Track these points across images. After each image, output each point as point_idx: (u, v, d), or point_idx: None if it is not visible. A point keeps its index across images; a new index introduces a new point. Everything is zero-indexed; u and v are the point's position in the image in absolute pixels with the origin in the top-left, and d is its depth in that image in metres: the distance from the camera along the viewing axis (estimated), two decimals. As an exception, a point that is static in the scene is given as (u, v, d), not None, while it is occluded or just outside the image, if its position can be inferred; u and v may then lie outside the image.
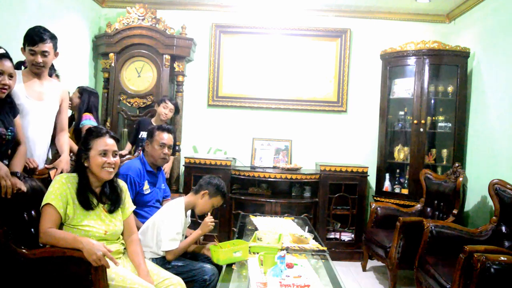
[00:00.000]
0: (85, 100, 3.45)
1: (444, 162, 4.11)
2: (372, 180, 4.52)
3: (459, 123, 4.01)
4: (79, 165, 2.03)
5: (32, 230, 2.04)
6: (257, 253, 2.28)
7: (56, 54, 2.43)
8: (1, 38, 2.96)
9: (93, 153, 2.00)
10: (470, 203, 3.76)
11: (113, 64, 4.36)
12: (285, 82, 4.68)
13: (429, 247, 2.96)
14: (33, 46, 2.28)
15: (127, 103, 4.39)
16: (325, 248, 2.59)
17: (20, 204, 2.03)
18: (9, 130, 2.08)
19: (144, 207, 2.68)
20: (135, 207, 2.27)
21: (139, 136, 3.76)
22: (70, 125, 3.25)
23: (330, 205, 4.25)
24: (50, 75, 2.91)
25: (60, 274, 1.82)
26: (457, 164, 3.61)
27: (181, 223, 2.36)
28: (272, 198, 4.20)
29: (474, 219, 3.73)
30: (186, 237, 2.51)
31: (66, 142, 2.56)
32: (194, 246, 2.51)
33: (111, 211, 2.06)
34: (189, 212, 2.56)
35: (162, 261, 2.29)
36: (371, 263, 3.97)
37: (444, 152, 4.11)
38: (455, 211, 3.41)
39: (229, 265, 2.24)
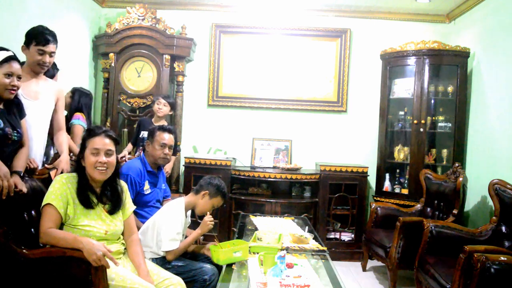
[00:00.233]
0: (76, 100, 3.46)
1: (444, 162, 4.11)
2: (372, 180, 4.52)
3: (459, 123, 4.01)
4: (79, 164, 2.03)
5: (32, 230, 2.04)
6: (257, 253, 2.28)
7: None
8: (1, 38, 2.96)
9: (87, 152, 2.00)
10: (470, 203, 3.76)
11: (113, 64, 4.36)
12: (285, 82, 4.68)
13: (429, 247, 2.96)
14: (43, 46, 2.30)
15: (127, 103, 4.39)
16: (325, 248, 2.59)
17: (20, 204, 2.03)
18: (15, 131, 2.10)
19: (144, 207, 2.68)
20: (135, 207, 2.27)
21: (140, 136, 3.75)
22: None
23: (330, 205, 4.25)
24: (53, 75, 2.92)
25: (60, 274, 1.82)
26: (457, 164, 3.61)
27: (181, 223, 2.36)
28: (272, 198, 4.20)
29: (474, 219, 3.73)
30: (186, 237, 2.51)
31: (65, 142, 2.56)
32: (194, 246, 2.51)
33: (111, 212, 2.05)
34: (189, 212, 2.56)
35: (162, 261, 2.29)
36: (371, 263, 3.97)
37: (444, 152, 4.11)
38: (455, 211, 3.41)
39: (229, 265, 2.24)
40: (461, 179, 3.42)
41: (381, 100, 4.41)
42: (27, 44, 2.32)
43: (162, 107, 3.72)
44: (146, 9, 4.38)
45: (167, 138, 2.75)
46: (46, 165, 2.41)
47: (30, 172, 2.22)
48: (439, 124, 4.11)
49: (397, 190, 4.23)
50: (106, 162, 1.98)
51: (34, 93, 2.38)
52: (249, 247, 2.39)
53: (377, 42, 4.59)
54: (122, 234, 2.13)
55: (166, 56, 4.31)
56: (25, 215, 2.05)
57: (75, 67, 4.22)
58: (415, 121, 4.05)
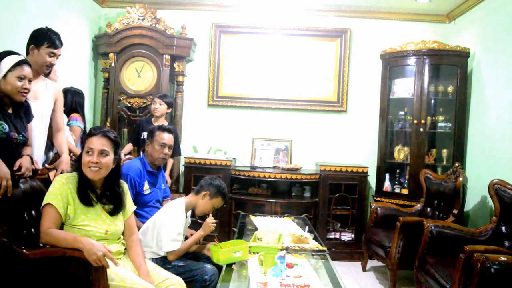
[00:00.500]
0: (69, 100, 3.46)
1: (444, 162, 4.10)
2: (372, 180, 4.52)
3: (459, 123, 4.01)
4: (80, 164, 2.03)
5: (32, 230, 2.04)
6: (257, 253, 2.28)
7: None
8: (1, 38, 2.97)
9: (83, 151, 2.00)
10: (470, 203, 3.76)
11: (113, 64, 4.36)
12: (285, 82, 4.68)
13: (429, 247, 2.96)
14: (55, 49, 2.38)
15: (127, 103, 4.39)
16: (325, 248, 2.59)
17: (20, 204, 2.03)
18: (21, 135, 2.12)
19: (144, 207, 2.68)
20: (135, 207, 2.27)
21: (141, 137, 3.73)
22: None
23: (330, 205, 4.25)
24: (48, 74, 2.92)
25: (60, 274, 1.81)
26: (457, 164, 3.61)
27: (182, 223, 2.36)
28: (272, 198, 4.21)
29: (474, 219, 3.73)
30: (186, 237, 2.51)
31: (64, 142, 2.56)
32: (195, 246, 2.51)
33: (112, 214, 2.05)
34: (189, 213, 2.56)
35: (163, 261, 2.29)
36: (371, 263, 3.97)
37: (444, 152, 4.11)
38: (455, 211, 3.41)
39: (229, 265, 2.24)
40: (461, 179, 3.42)
41: (381, 100, 4.41)
42: (36, 45, 2.34)
43: (158, 107, 3.71)
44: (146, 9, 4.38)
45: (167, 138, 2.75)
46: (46, 165, 2.41)
47: (32, 173, 2.23)
48: (439, 124, 4.11)
49: (397, 190, 4.23)
50: (98, 162, 1.96)
51: (34, 93, 2.39)
52: (249, 247, 2.39)
53: (377, 42, 4.59)
54: (123, 234, 2.13)
55: (166, 56, 4.31)
56: (25, 215, 2.05)
57: (75, 67, 4.22)
58: (415, 121, 4.05)
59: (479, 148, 3.84)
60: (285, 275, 2.01)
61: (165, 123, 3.56)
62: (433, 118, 4.14)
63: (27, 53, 2.38)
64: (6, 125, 2.04)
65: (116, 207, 2.07)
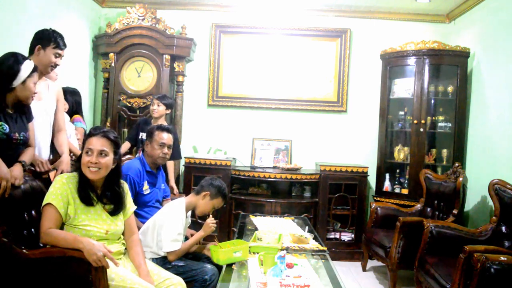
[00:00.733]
0: (70, 101, 3.44)
1: (444, 162, 4.10)
2: (372, 180, 4.52)
3: (459, 123, 4.01)
4: (80, 164, 2.03)
5: (32, 230, 2.04)
6: (257, 253, 2.28)
7: None
8: (1, 37, 2.97)
9: (83, 151, 2.00)
10: (470, 203, 3.76)
11: (113, 64, 4.36)
12: (285, 82, 4.68)
13: (429, 247, 2.96)
14: (60, 50, 2.42)
15: (127, 103, 4.39)
16: (325, 248, 2.59)
17: (20, 204, 2.03)
18: (21, 135, 2.13)
19: (144, 207, 2.68)
20: (136, 207, 2.27)
21: (139, 137, 3.73)
22: None
23: (330, 205, 4.25)
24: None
25: (60, 274, 1.82)
26: (457, 164, 3.61)
27: (182, 223, 2.36)
28: (272, 198, 4.21)
29: (474, 219, 3.74)
30: (186, 237, 2.51)
31: (65, 143, 2.57)
32: (195, 246, 2.51)
33: (112, 214, 2.05)
34: (189, 213, 2.56)
35: (163, 261, 2.29)
36: (371, 263, 3.97)
37: (444, 152, 4.11)
38: (455, 211, 3.41)
39: (229, 265, 2.24)
40: (461, 179, 3.43)
41: (381, 100, 4.41)
42: (43, 45, 2.36)
43: (156, 108, 3.64)
44: (146, 9, 4.38)
45: (166, 137, 2.75)
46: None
47: (39, 174, 2.23)
48: (439, 124, 4.11)
49: (397, 190, 4.23)
50: (97, 162, 1.95)
51: (38, 93, 2.40)
52: (249, 247, 2.39)
53: (377, 42, 4.59)
54: (123, 234, 2.13)
55: (166, 56, 4.31)
56: (25, 215, 2.05)
57: (75, 67, 4.22)
58: (415, 121, 4.05)
59: (479, 148, 3.84)
60: (285, 275, 2.01)
61: (164, 123, 3.55)
62: (433, 118, 4.14)
63: (31, 53, 2.40)
64: (6, 125, 2.05)
65: (116, 207, 2.07)
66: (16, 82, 2.06)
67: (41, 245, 1.91)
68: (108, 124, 4.33)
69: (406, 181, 4.22)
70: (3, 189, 1.90)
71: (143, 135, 3.63)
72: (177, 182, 4.46)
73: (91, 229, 1.95)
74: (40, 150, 2.42)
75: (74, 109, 3.53)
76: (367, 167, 4.29)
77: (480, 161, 3.81)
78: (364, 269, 3.92)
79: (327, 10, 4.63)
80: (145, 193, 2.68)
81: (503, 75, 3.50)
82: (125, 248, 2.13)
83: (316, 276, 2.12)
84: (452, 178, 3.56)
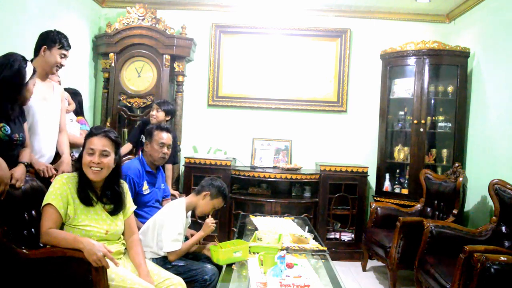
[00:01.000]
0: (75, 102, 3.42)
1: (444, 162, 4.10)
2: (372, 180, 4.52)
3: (459, 123, 4.01)
4: (80, 164, 2.03)
5: (33, 230, 2.04)
6: (257, 253, 2.28)
7: None
8: (1, 37, 2.97)
9: (84, 151, 2.00)
10: (470, 203, 3.76)
11: (113, 64, 4.36)
12: (285, 82, 4.68)
13: (429, 247, 2.96)
14: (66, 51, 2.46)
15: (127, 103, 4.39)
16: (325, 248, 2.59)
17: (20, 204, 2.03)
18: (20, 136, 2.14)
19: (143, 207, 2.68)
20: (136, 207, 2.27)
21: (141, 139, 3.68)
22: None
23: (330, 205, 4.25)
24: None
25: (60, 274, 1.82)
26: (457, 164, 3.61)
27: (183, 223, 2.36)
28: (272, 198, 4.21)
29: (474, 219, 3.74)
30: (186, 237, 2.51)
31: (65, 143, 2.58)
32: (195, 246, 2.51)
33: (112, 213, 2.05)
34: (189, 213, 2.56)
35: (163, 261, 2.29)
36: (371, 263, 3.97)
37: (444, 152, 4.11)
38: (455, 211, 3.41)
39: (229, 265, 2.24)
40: (461, 179, 3.43)
41: (381, 100, 4.41)
42: (48, 46, 2.39)
43: (154, 113, 3.52)
44: (146, 9, 4.38)
45: (166, 137, 2.75)
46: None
47: (44, 178, 2.24)
48: (439, 124, 4.11)
49: (397, 190, 4.23)
50: (99, 163, 1.96)
51: (44, 94, 2.44)
52: (249, 247, 2.39)
53: (377, 42, 4.59)
54: (123, 234, 2.13)
55: (166, 56, 4.31)
56: (25, 215, 2.05)
57: (75, 67, 4.22)
58: (415, 121, 4.05)
59: (479, 148, 3.84)
60: (285, 275, 2.01)
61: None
62: (433, 118, 4.14)
63: (36, 54, 2.42)
64: (8, 127, 2.06)
65: (116, 207, 2.07)
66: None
67: (41, 245, 1.91)
68: (108, 124, 4.33)
69: (406, 181, 4.22)
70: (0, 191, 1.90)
71: (144, 137, 3.59)
72: (177, 182, 4.47)
73: (91, 229, 1.95)
74: (44, 148, 2.43)
75: (77, 110, 3.52)
76: (367, 167, 4.29)
77: (480, 161, 3.81)
78: (364, 269, 3.92)
79: (327, 10, 4.63)
80: (144, 193, 2.68)
81: (503, 75, 3.50)
82: (125, 248, 2.13)
83: (316, 276, 2.12)
84: (452, 178, 3.56)
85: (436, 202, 3.72)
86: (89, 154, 1.97)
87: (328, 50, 4.68)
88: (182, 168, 4.47)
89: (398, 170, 4.30)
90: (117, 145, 2.05)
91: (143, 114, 4.35)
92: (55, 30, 2.47)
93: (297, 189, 4.44)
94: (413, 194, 4.06)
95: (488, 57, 3.82)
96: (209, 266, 2.29)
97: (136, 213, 2.51)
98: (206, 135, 4.75)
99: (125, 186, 2.19)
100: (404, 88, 4.25)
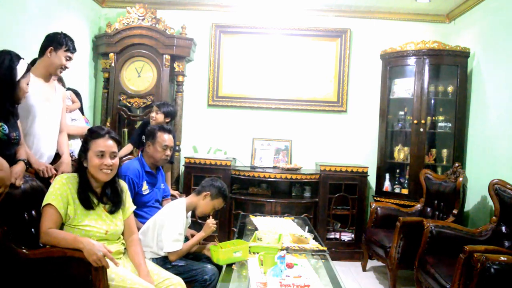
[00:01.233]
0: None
1: (444, 162, 4.11)
2: (372, 180, 4.52)
3: (459, 123, 4.01)
4: (80, 165, 2.03)
5: (32, 230, 2.03)
6: (257, 253, 2.28)
7: None
8: (1, 37, 2.97)
9: (91, 153, 1.99)
10: (470, 203, 3.76)
11: (113, 64, 4.36)
12: (285, 82, 4.68)
13: (429, 247, 2.96)
14: (71, 54, 2.48)
15: (127, 103, 4.38)
16: (325, 248, 2.59)
17: (20, 204, 2.03)
18: (16, 135, 2.13)
19: (143, 208, 2.68)
20: (135, 207, 2.27)
21: (141, 140, 3.66)
22: None
23: (330, 205, 4.25)
24: None
25: (60, 274, 1.82)
26: (457, 164, 3.61)
27: (183, 223, 2.36)
28: (272, 198, 4.21)
29: (474, 219, 3.74)
30: (186, 237, 2.51)
31: (65, 143, 2.59)
32: (196, 246, 2.51)
33: (112, 212, 2.06)
34: (189, 213, 2.56)
35: (163, 261, 2.29)
36: (371, 263, 3.97)
37: (444, 152, 4.11)
38: (455, 211, 3.41)
39: (229, 265, 2.24)
40: (461, 179, 3.43)
41: (381, 100, 4.41)
42: (55, 47, 2.40)
43: (154, 115, 3.47)
44: (146, 9, 4.38)
45: (168, 139, 2.75)
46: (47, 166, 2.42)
47: (44, 178, 2.24)
48: (439, 124, 4.11)
49: (397, 190, 4.23)
50: (112, 165, 1.99)
51: (47, 95, 2.45)
52: (249, 247, 2.39)
53: (377, 42, 4.59)
54: (122, 234, 2.13)
55: (166, 56, 4.31)
56: (25, 215, 2.04)
57: (75, 67, 4.20)
58: (415, 121, 4.05)
59: (479, 148, 3.84)
60: (285, 275, 2.01)
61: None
62: (433, 118, 4.14)
63: (41, 55, 2.43)
64: (6, 126, 2.05)
65: (116, 205, 2.07)
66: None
67: (41, 245, 1.91)
68: (108, 124, 4.33)
69: (406, 181, 4.22)
70: None
71: (144, 138, 3.57)
72: (177, 182, 4.47)
73: (91, 229, 1.95)
74: (44, 148, 2.43)
75: (80, 108, 3.52)
76: (367, 167, 4.29)
77: (480, 161, 3.81)
78: (364, 269, 3.92)
79: (327, 10, 4.63)
80: (144, 193, 2.69)
81: (503, 75, 3.50)
82: (125, 248, 2.13)
83: (316, 276, 2.12)
84: (452, 178, 3.56)
85: (436, 202, 3.72)
86: (98, 157, 1.98)
87: (328, 50, 4.68)
88: (182, 168, 4.47)
89: (398, 170, 4.30)
90: (119, 145, 2.09)
91: (143, 114, 4.35)
92: (62, 32, 2.48)
93: (297, 189, 4.44)
94: (413, 194, 4.06)
95: (488, 57, 3.82)
96: (209, 266, 2.29)
97: (136, 213, 2.51)
98: (206, 135, 4.75)
99: (125, 185, 2.20)
100: (404, 88, 4.25)
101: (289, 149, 4.66)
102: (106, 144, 2.00)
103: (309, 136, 4.72)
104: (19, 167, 2.04)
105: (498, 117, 3.53)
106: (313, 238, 2.76)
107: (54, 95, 2.51)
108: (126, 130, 4.41)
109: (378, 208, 3.86)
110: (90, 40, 4.53)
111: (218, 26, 4.69)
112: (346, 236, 4.33)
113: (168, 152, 2.75)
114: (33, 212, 2.08)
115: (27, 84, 2.13)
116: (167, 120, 3.54)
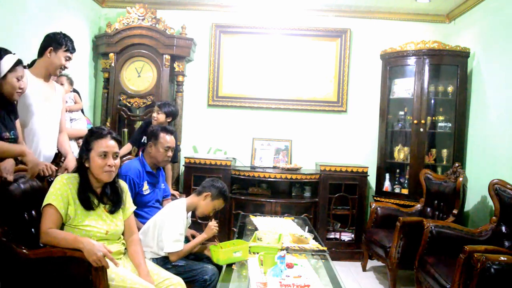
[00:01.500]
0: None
1: (444, 162, 4.11)
2: (372, 180, 4.52)
3: (459, 123, 4.01)
4: (80, 165, 2.03)
5: (33, 230, 2.03)
6: (257, 253, 2.28)
7: None
8: (1, 37, 2.97)
9: (93, 154, 1.98)
10: (470, 203, 3.76)
11: (113, 64, 4.36)
12: (285, 82, 4.68)
13: (429, 247, 2.96)
14: (71, 54, 2.48)
15: (127, 103, 4.39)
16: (325, 248, 2.59)
17: (20, 204, 2.03)
18: (12, 134, 2.13)
19: (144, 208, 2.68)
20: (135, 207, 2.27)
21: (142, 141, 3.66)
22: None
23: (330, 205, 4.25)
24: None
25: (60, 274, 1.82)
26: (457, 164, 3.61)
27: (184, 224, 2.36)
28: (272, 198, 4.21)
29: (474, 219, 3.74)
30: (186, 237, 2.51)
31: (66, 142, 2.61)
32: (197, 247, 2.51)
33: (112, 211, 2.06)
34: (189, 213, 2.56)
35: (163, 261, 2.29)
36: (371, 263, 3.97)
37: (444, 152, 4.11)
38: (455, 211, 3.41)
39: (229, 265, 2.24)
40: (461, 179, 3.42)
41: (381, 100, 4.41)
42: (55, 47, 2.40)
43: (155, 115, 3.48)
44: (146, 9, 4.38)
45: (170, 140, 2.76)
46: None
47: (44, 178, 2.23)
48: (439, 124, 4.11)
49: (397, 190, 4.23)
50: (114, 165, 2.00)
51: (46, 95, 2.45)
52: (249, 247, 2.39)
53: (377, 42, 4.59)
54: (122, 234, 2.13)
55: (166, 56, 4.31)
56: (25, 215, 2.04)
57: (75, 67, 4.20)
58: (415, 121, 4.05)
59: (479, 148, 3.84)
60: (285, 275, 2.01)
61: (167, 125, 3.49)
62: (433, 118, 4.14)
63: (41, 55, 2.43)
64: None
65: (116, 204, 2.07)
66: None
67: (41, 245, 1.91)
68: (108, 124, 4.33)
69: (406, 181, 4.22)
70: None
71: (146, 139, 3.56)
72: (177, 182, 4.47)
73: (91, 230, 1.95)
74: (44, 148, 2.44)
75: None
76: (367, 167, 4.29)
77: (480, 161, 3.81)
78: (364, 269, 3.92)
79: (327, 10, 4.63)
80: (144, 193, 2.69)
81: (503, 75, 3.50)
82: (125, 248, 2.13)
83: (316, 276, 2.12)
84: (452, 178, 3.56)
85: (436, 202, 3.72)
86: (101, 157, 1.98)
87: (328, 50, 4.68)
88: (182, 168, 4.47)
89: (398, 170, 4.30)
90: (120, 144, 2.10)
91: (143, 114, 4.35)
92: (61, 32, 2.48)
93: (297, 189, 4.44)
94: (413, 194, 4.06)
95: (488, 57, 3.82)
96: (209, 266, 2.29)
97: (136, 213, 2.51)
98: (206, 135, 4.75)
99: (125, 185, 2.20)
100: (404, 88, 4.25)
101: (289, 149, 4.66)
102: (108, 144, 2.00)
103: (309, 136, 4.72)
104: (7, 163, 2.01)
105: (498, 117, 3.53)
106: (313, 238, 2.76)
107: (53, 95, 2.52)
108: (126, 130, 4.41)
109: (378, 208, 3.86)
110: (90, 40, 4.54)
111: (218, 26, 4.69)
112: (346, 236, 4.33)
113: (170, 153, 2.76)
114: (33, 212, 2.08)
115: (19, 80, 2.09)
116: (168, 120, 3.55)
